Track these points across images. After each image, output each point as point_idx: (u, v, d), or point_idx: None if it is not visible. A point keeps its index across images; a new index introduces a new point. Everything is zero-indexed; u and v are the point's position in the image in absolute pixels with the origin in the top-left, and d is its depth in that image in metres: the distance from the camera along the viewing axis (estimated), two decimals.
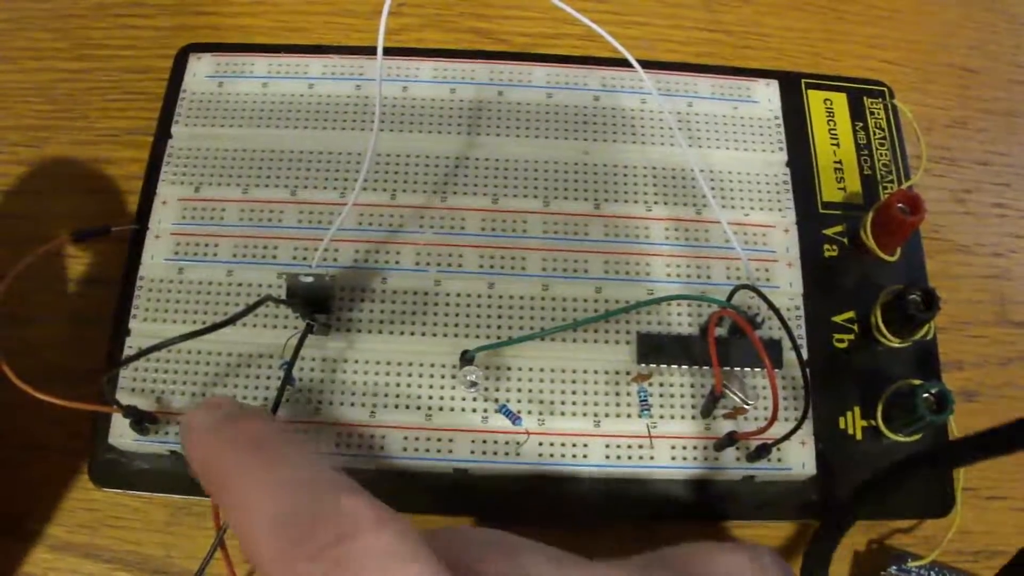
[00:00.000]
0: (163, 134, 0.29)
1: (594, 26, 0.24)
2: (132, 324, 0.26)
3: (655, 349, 0.26)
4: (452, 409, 0.25)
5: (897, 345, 0.27)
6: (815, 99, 0.31)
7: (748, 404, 0.25)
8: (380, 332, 0.26)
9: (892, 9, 0.36)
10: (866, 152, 0.31)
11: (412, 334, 0.26)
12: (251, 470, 0.17)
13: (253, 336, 0.26)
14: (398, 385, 0.26)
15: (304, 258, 0.27)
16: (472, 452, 0.25)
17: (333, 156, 0.29)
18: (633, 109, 0.30)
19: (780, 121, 0.30)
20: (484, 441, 0.25)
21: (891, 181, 0.30)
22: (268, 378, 0.26)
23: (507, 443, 0.25)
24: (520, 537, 0.18)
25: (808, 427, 0.26)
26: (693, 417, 0.25)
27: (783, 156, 0.30)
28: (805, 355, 0.27)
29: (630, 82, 0.30)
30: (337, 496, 0.16)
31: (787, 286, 0.28)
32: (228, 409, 0.19)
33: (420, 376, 0.26)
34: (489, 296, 0.27)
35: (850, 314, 0.28)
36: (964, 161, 0.33)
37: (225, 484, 0.18)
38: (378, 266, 0.27)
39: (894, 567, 0.26)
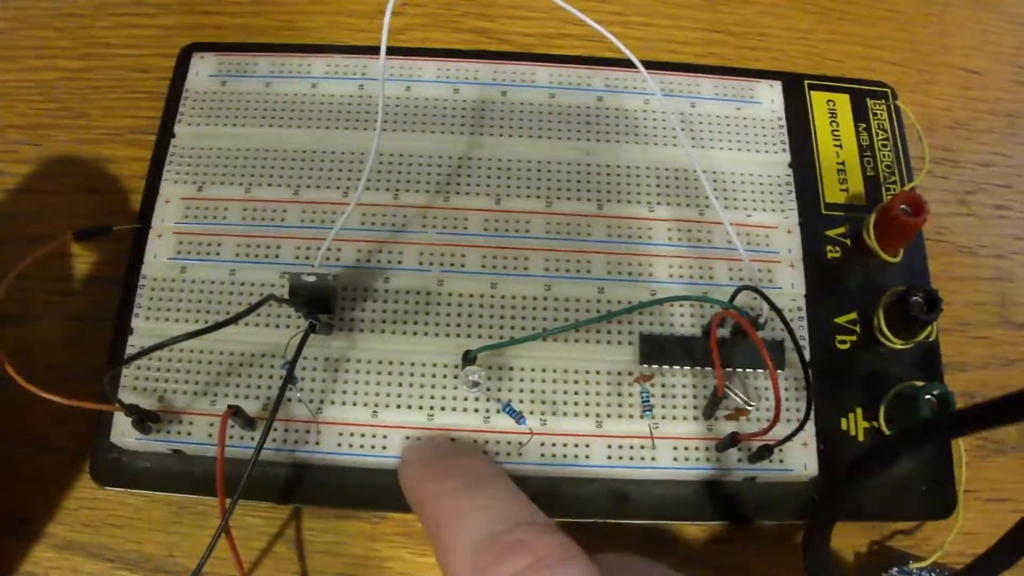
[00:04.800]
0: (166, 133, 0.29)
1: (597, 27, 0.24)
2: (134, 323, 0.26)
3: (657, 350, 0.26)
4: (454, 409, 0.25)
5: (899, 346, 0.27)
6: (818, 100, 0.31)
7: (750, 405, 0.25)
8: (382, 332, 0.26)
9: (895, 10, 0.36)
10: (869, 153, 0.31)
11: (414, 334, 0.26)
12: (462, 500, 0.20)
13: (255, 335, 0.26)
14: (400, 385, 0.26)
15: (307, 257, 0.27)
16: None
17: (336, 156, 0.29)
18: (636, 110, 0.30)
19: (783, 122, 0.30)
20: (486, 441, 0.25)
21: (894, 182, 0.30)
22: (270, 377, 0.26)
23: (509, 443, 0.25)
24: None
25: (810, 428, 0.26)
26: (695, 418, 0.25)
27: (786, 157, 0.30)
28: (807, 356, 0.27)
29: (633, 82, 0.30)
30: (533, 532, 0.18)
31: (789, 287, 0.28)
32: (446, 447, 0.23)
33: (422, 376, 0.26)
34: (491, 296, 0.27)
35: (852, 315, 0.28)
36: (967, 162, 0.33)
37: (437, 507, 0.20)
38: (381, 266, 0.27)
39: (895, 568, 0.26)
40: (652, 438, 0.25)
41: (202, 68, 0.30)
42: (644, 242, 0.28)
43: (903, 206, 0.27)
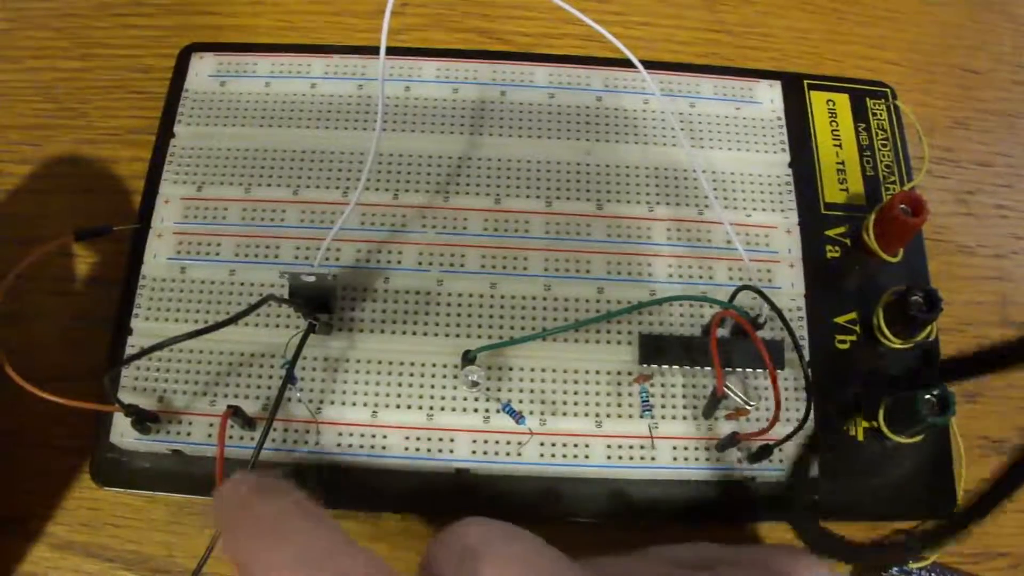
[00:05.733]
0: (165, 133, 0.29)
1: (597, 26, 0.24)
2: (134, 323, 0.26)
3: (657, 350, 0.26)
4: (454, 409, 0.25)
5: (899, 346, 0.27)
6: (818, 100, 0.31)
7: (750, 405, 0.25)
8: (382, 332, 0.26)
9: (894, 10, 0.36)
10: (868, 153, 0.31)
11: (414, 334, 0.26)
12: (263, 554, 0.18)
13: (255, 335, 0.26)
14: (400, 385, 0.26)
15: (306, 257, 0.27)
16: (473, 452, 0.25)
17: (335, 156, 0.29)
18: (635, 109, 0.30)
19: (782, 122, 0.30)
20: (485, 441, 0.25)
21: (893, 182, 0.30)
22: (270, 377, 0.26)
23: (508, 443, 0.25)
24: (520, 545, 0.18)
25: (810, 428, 0.26)
26: (695, 418, 0.25)
27: (785, 157, 0.30)
28: (807, 356, 0.27)
29: (632, 82, 0.30)
30: None
31: (789, 287, 0.28)
32: (249, 488, 0.20)
33: (422, 376, 0.26)
34: (491, 296, 0.27)
35: (852, 315, 0.28)
36: (966, 162, 0.33)
37: (243, 564, 0.18)
38: (380, 266, 0.27)
39: (895, 568, 0.26)
40: (652, 438, 0.25)
41: (201, 68, 0.30)
42: (643, 242, 0.28)
43: (903, 206, 0.27)
